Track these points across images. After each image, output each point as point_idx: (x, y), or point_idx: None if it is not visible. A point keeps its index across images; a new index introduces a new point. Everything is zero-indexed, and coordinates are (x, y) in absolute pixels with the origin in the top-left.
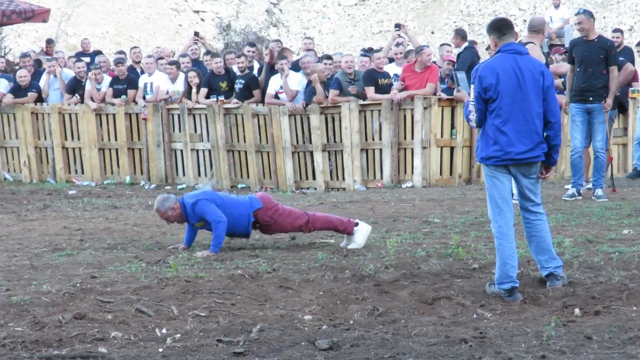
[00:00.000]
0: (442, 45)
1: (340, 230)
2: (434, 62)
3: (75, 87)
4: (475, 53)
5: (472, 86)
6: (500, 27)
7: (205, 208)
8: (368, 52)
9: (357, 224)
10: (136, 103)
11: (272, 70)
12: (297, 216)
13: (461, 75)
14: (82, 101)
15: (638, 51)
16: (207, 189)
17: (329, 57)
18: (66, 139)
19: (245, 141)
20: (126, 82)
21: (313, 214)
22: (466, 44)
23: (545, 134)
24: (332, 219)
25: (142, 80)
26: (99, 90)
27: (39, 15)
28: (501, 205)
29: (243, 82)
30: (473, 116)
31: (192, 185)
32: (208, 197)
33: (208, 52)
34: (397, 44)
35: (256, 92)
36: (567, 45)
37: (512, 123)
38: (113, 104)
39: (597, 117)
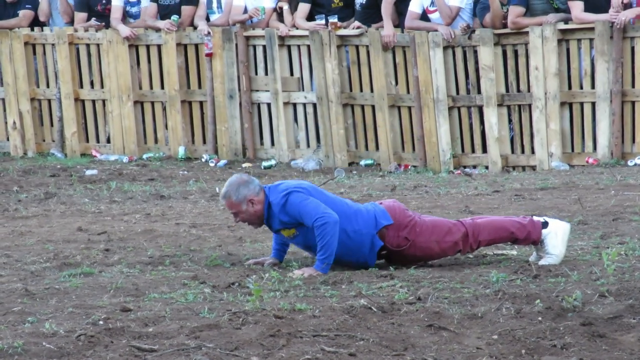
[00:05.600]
0: None
1: (520, 239)
2: None
3: (90, 1)
4: None
5: None
6: None
7: (302, 202)
8: None
9: (545, 225)
10: (195, 28)
11: None
12: (447, 230)
13: None
14: (106, 25)
15: None
16: (341, 176)
17: None
18: (81, 87)
19: (372, 90)
20: None
21: (472, 222)
22: None
23: None
24: (505, 222)
25: None
26: (135, 4)
27: None
28: None
29: None
30: None
31: (285, 162)
32: (308, 191)
33: None
34: None
35: None
36: None
37: None
38: (158, 30)
39: None
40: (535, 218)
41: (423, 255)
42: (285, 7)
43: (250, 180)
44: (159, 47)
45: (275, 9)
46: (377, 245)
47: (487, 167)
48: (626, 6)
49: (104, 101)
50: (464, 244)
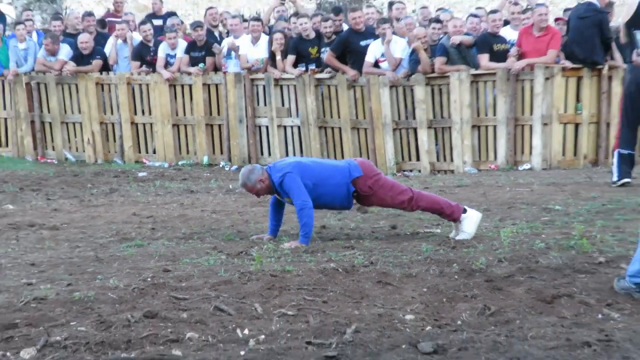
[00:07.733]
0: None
1: (446, 213)
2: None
3: (142, 53)
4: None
5: None
6: None
7: (292, 185)
8: (478, 12)
9: (465, 211)
10: (215, 72)
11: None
12: (400, 191)
13: None
14: (153, 70)
15: None
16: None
17: (437, 21)
18: (135, 114)
19: (339, 116)
20: (204, 49)
21: (418, 192)
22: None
23: None
24: (439, 199)
25: (226, 42)
26: (173, 57)
27: None
28: None
29: None
30: None
31: None
32: (298, 170)
33: (296, 14)
34: (515, 3)
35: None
36: None
37: None
38: (189, 74)
39: None
40: (461, 205)
41: (380, 203)
42: (278, 57)
43: (254, 167)
44: (190, 86)
45: (269, 58)
46: (351, 190)
47: (420, 171)
48: (517, 58)
49: (151, 124)
50: (409, 204)
